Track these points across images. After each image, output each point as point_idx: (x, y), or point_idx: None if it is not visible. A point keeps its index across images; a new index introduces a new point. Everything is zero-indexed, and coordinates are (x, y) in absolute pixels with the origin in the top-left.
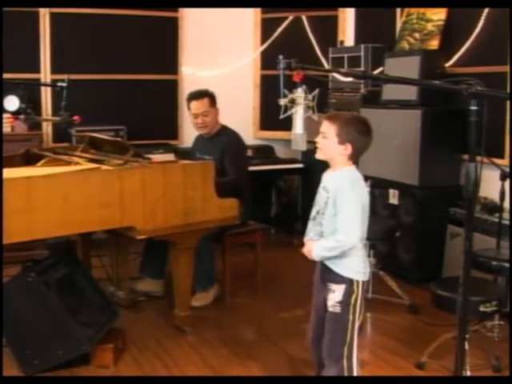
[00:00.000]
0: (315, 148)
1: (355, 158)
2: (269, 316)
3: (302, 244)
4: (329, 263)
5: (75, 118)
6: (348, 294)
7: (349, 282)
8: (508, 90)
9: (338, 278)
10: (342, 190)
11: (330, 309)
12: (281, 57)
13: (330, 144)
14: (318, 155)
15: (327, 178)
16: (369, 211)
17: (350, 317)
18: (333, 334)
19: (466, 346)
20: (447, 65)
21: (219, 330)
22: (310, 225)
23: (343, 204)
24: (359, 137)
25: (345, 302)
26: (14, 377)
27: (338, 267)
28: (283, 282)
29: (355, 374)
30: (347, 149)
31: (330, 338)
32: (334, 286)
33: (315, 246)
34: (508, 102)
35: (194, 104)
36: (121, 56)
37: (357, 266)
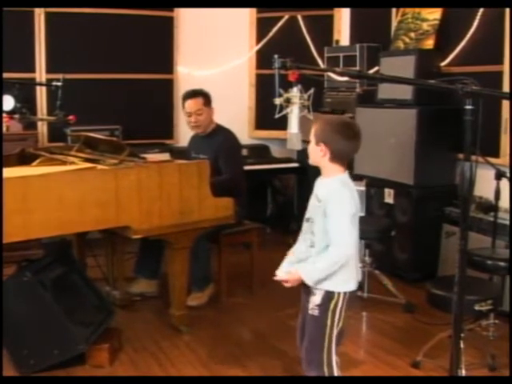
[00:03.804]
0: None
1: (339, 163)
2: (265, 315)
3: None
4: (313, 287)
5: (70, 117)
6: (327, 298)
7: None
8: (504, 89)
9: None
10: (333, 200)
11: (310, 311)
12: (276, 56)
13: (311, 147)
14: (309, 160)
15: (318, 186)
16: (359, 212)
17: (328, 322)
18: (311, 336)
19: (462, 345)
20: (442, 64)
21: (215, 329)
22: (301, 245)
23: (334, 213)
24: (339, 138)
25: (323, 306)
26: (13, 377)
27: (322, 286)
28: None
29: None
30: (323, 150)
31: (309, 341)
32: (314, 289)
33: (305, 270)
34: (503, 102)
35: (188, 103)
36: (116, 55)
37: (340, 279)
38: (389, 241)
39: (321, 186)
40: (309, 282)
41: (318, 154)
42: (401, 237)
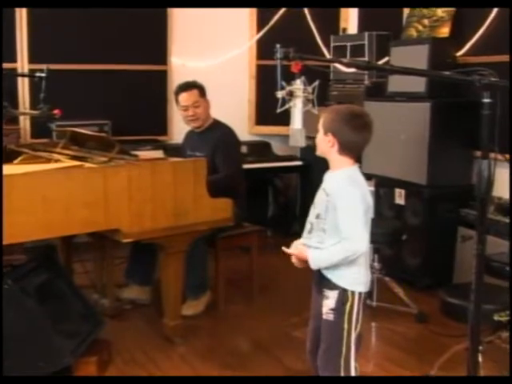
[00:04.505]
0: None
1: (348, 155)
2: (265, 325)
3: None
4: (325, 271)
5: (55, 111)
6: (341, 301)
7: (342, 289)
8: None
9: (332, 284)
10: (341, 194)
11: (324, 316)
12: (278, 46)
13: (318, 137)
14: (317, 151)
15: (326, 179)
16: (372, 214)
17: (345, 325)
18: (327, 343)
19: (480, 359)
20: (459, 54)
21: (212, 340)
22: (308, 228)
23: (345, 209)
24: (348, 129)
25: (338, 310)
26: (13, 377)
27: (330, 275)
28: (281, 288)
29: None
30: (331, 141)
31: (325, 348)
32: (327, 292)
33: (314, 255)
34: None
35: (183, 96)
36: (105, 44)
37: (353, 276)
38: (399, 245)
39: (329, 180)
40: (313, 265)
41: (325, 145)
42: (412, 241)
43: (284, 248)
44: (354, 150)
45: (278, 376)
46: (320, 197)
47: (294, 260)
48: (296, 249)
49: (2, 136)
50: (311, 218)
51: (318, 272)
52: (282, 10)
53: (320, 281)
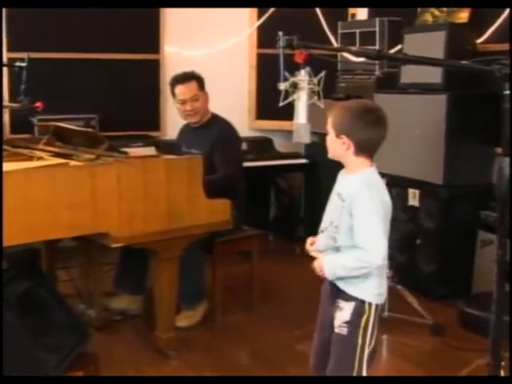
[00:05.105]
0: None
1: (365, 155)
2: (266, 337)
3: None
4: (339, 282)
5: (37, 104)
6: (357, 313)
7: (359, 301)
8: None
9: (347, 295)
10: (359, 198)
11: (337, 330)
12: (281, 33)
13: (330, 139)
14: (329, 155)
15: (341, 183)
16: (390, 221)
17: (359, 340)
18: (338, 358)
19: (502, 374)
20: (479, 41)
21: (208, 353)
22: (322, 238)
23: (362, 216)
24: (361, 126)
25: (353, 323)
26: (13, 377)
27: (347, 285)
28: (283, 297)
29: None
30: (345, 143)
31: (335, 363)
32: (342, 303)
33: (329, 263)
34: None
35: (181, 88)
36: (92, 31)
37: (371, 287)
38: (413, 250)
39: (344, 184)
40: (328, 274)
41: (339, 148)
42: (427, 245)
43: (312, 253)
44: (369, 149)
45: (278, 376)
46: (334, 202)
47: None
48: (317, 253)
49: (2, 135)
50: (323, 225)
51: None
52: None
53: (333, 290)
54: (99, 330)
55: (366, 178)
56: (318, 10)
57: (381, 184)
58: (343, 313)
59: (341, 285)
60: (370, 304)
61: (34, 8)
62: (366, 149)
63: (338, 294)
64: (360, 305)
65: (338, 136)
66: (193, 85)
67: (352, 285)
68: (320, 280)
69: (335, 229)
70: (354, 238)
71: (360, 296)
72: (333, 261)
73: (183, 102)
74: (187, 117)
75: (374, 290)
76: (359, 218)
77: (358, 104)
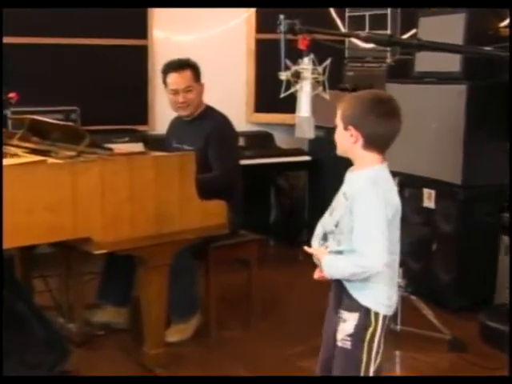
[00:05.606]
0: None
1: (375, 150)
2: (265, 354)
3: (309, 260)
4: (345, 281)
5: (11, 95)
6: (362, 325)
7: (364, 311)
8: None
9: (352, 304)
10: (361, 196)
11: (339, 343)
12: (282, 17)
13: (338, 132)
14: (337, 150)
15: (348, 181)
16: (399, 223)
17: (364, 356)
18: (342, 373)
19: None
20: (501, 25)
21: (202, 371)
22: (320, 235)
23: (362, 215)
24: (372, 118)
25: (357, 336)
26: (14, 377)
27: (354, 290)
28: (285, 309)
29: None
30: (353, 135)
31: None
32: (345, 315)
33: (328, 262)
34: None
35: (174, 77)
36: (72, 14)
37: (379, 295)
38: (428, 257)
39: (350, 182)
40: (325, 272)
41: (347, 141)
42: (444, 251)
43: (306, 247)
44: (381, 144)
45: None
46: (339, 202)
47: (315, 260)
48: (316, 250)
49: (2, 133)
50: (329, 227)
51: (338, 283)
52: None
53: (338, 298)
54: (80, 346)
55: (373, 174)
56: None
57: (390, 183)
58: (346, 325)
59: (348, 286)
60: (376, 314)
61: (33, 8)
62: (377, 143)
63: (342, 303)
64: (365, 316)
65: (345, 128)
66: (187, 74)
67: (358, 289)
68: (324, 290)
69: (340, 230)
70: (352, 239)
71: (366, 303)
72: (332, 261)
73: (175, 93)
74: (178, 109)
75: (382, 300)
76: (359, 217)
77: (369, 94)
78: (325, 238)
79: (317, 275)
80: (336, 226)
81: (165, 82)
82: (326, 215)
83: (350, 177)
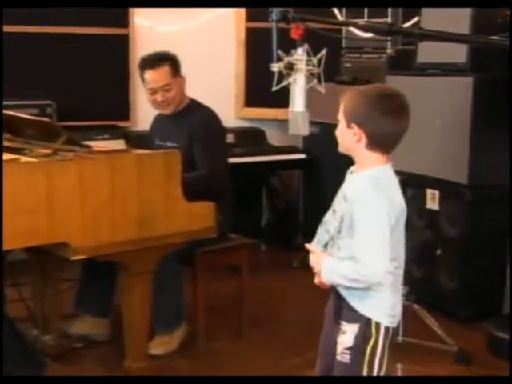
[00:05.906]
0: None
1: (380, 150)
2: (258, 367)
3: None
4: (343, 290)
5: None
6: (362, 337)
7: (365, 322)
8: None
9: (352, 315)
10: (361, 197)
11: (338, 357)
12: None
13: (340, 129)
14: (339, 148)
15: (348, 182)
16: (403, 229)
17: (364, 371)
18: None
19: None
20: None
21: None
22: (322, 240)
23: (361, 221)
24: (377, 115)
25: (356, 349)
26: (14, 377)
27: (354, 299)
28: (279, 319)
29: None
30: (356, 133)
31: None
32: (344, 326)
33: (329, 265)
34: None
35: (150, 74)
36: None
37: (381, 304)
38: (432, 263)
39: (351, 183)
40: (323, 277)
41: (350, 140)
42: (449, 257)
43: (307, 245)
44: (385, 143)
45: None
46: (339, 204)
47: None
48: (317, 252)
49: (2, 131)
50: (331, 232)
51: (337, 293)
52: None
53: (337, 307)
54: (57, 360)
55: (375, 175)
56: None
57: (394, 183)
58: (345, 337)
59: (347, 294)
60: (377, 325)
61: (33, 8)
62: (381, 143)
63: (341, 313)
64: (365, 327)
65: (348, 125)
66: (164, 70)
67: (358, 298)
68: (321, 297)
69: (339, 235)
70: (352, 245)
71: (367, 313)
72: (333, 263)
73: (153, 91)
74: (158, 107)
75: (384, 309)
76: (359, 222)
77: (374, 89)
78: (326, 245)
79: (317, 280)
80: (338, 231)
81: (142, 79)
82: (330, 217)
83: (351, 177)
